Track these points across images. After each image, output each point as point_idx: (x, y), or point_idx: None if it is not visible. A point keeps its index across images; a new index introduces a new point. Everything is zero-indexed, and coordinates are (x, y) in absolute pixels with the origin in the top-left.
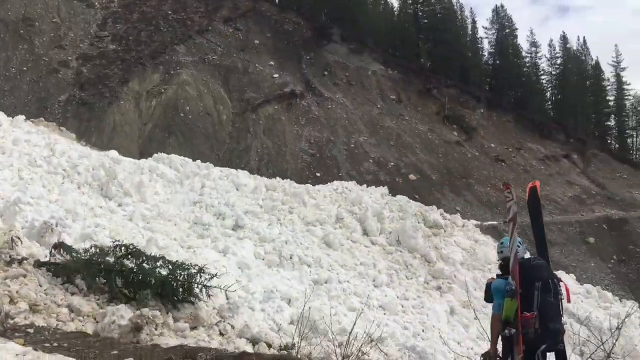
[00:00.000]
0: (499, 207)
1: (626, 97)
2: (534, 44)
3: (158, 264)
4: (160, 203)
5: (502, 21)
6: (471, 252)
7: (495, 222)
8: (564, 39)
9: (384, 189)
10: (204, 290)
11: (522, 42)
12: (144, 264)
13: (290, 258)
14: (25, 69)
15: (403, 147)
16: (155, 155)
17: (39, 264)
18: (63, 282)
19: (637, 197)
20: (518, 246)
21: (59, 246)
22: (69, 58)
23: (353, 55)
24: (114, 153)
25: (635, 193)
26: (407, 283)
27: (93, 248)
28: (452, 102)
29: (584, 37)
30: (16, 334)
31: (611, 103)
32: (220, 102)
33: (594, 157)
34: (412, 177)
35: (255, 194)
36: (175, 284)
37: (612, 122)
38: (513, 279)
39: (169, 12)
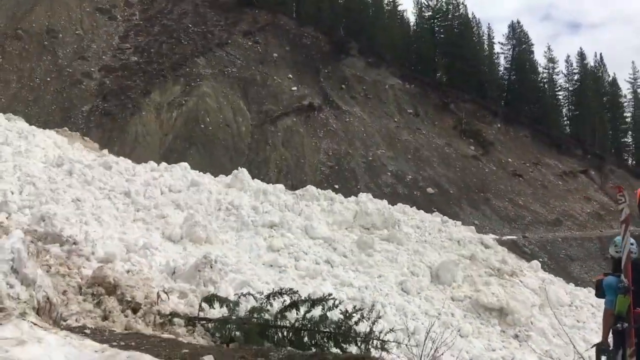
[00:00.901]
0: (517, 221)
1: None
2: (551, 59)
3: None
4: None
5: (518, 37)
6: (541, 293)
7: (514, 237)
8: (582, 55)
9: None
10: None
11: (538, 57)
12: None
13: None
14: (49, 79)
15: (421, 161)
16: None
17: (190, 321)
18: (221, 343)
19: None
20: (632, 245)
21: (212, 299)
22: (92, 69)
23: (370, 69)
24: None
25: None
26: (487, 332)
27: (245, 298)
28: (469, 116)
29: (600, 54)
30: (73, 333)
31: (628, 119)
32: (240, 114)
33: (612, 173)
34: (430, 190)
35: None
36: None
37: (629, 139)
38: (625, 277)
39: (190, 25)
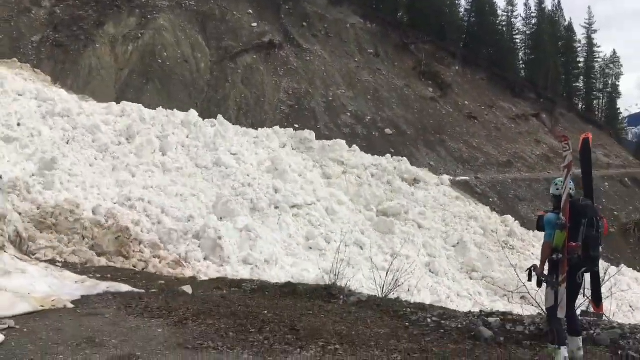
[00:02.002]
0: (471, 163)
1: (595, 60)
2: (510, 2)
3: None
4: None
5: None
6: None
7: (467, 178)
8: None
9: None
10: None
11: (498, 0)
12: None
13: None
14: None
15: (380, 102)
16: None
17: None
18: None
19: (600, 157)
20: (571, 189)
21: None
22: None
23: (332, 7)
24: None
25: (599, 153)
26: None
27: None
28: (428, 58)
29: None
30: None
31: (581, 64)
32: (198, 49)
33: (562, 117)
34: (388, 131)
35: None
36: None
37: (580, 84)
38: (563, 215)
39: None
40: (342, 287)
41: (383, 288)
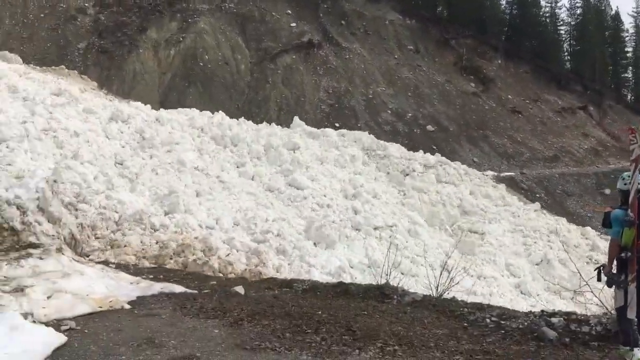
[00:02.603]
0: (516, 158)
1: None
2: None
3: None
4: None
5: None
6: None
7: (512, 173)
8: None
9: None
10: None
11: None
12: None
13: None
14: (42, 15)
15: (420, 98)
16: None
17: None
18: None
19: None
20: (639, 183)
21: None
22: (86, 4)
23: (370, 4)
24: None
25: None
26: None
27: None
28: (469, 52)
29: None
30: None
31: (629, 54)
32: (238, 51)
33: (610, 109)
34: (429, 128)
35: None
36: None
37: (629, 74)
38: (632, 211)
39: None
40: (396, 286)
41: (437, 287)
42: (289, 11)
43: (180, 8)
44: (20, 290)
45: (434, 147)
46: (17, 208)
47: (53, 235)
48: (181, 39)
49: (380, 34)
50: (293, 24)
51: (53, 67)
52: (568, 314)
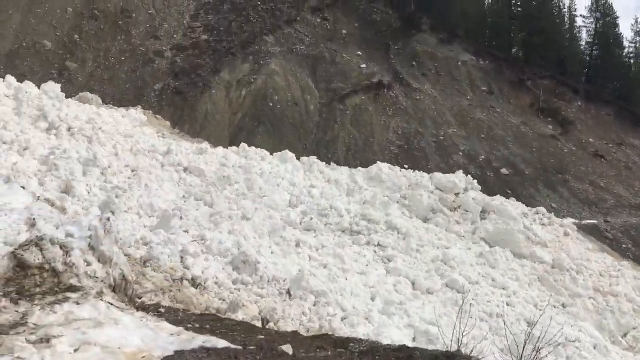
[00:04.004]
0: (599, 205)
1: None
2: (638, 32)
3: None
4: None
5: (602, 9)
6: None
7: (595, 221)
8: None
9: None
10: None
11: (624, 30)
12: None
13: None
14: (123, 59)
15: (494, 141)
16: None
17: None
18: None
19: None
20: None
21: None
22: (164, 48)
23: (442, 45)
24: None
25: None
26: None
27: None
28: (547, 94)
29: None
30: (149, 315)
31: None
32: (308, 92)
33: None
34: (504, 171)
35: None
36: None
37: None
38: None
39: (259, 3)
40: (469, 355)
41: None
42: (360, 53)
43: (253, 51)
44: (46, 340)
45: (509, 192)
46: (61, 248)
47: (97, 278)
48: (252, 80)
49: (452, 75)
50: (363, 65)
51: (130, 107)
52: None
